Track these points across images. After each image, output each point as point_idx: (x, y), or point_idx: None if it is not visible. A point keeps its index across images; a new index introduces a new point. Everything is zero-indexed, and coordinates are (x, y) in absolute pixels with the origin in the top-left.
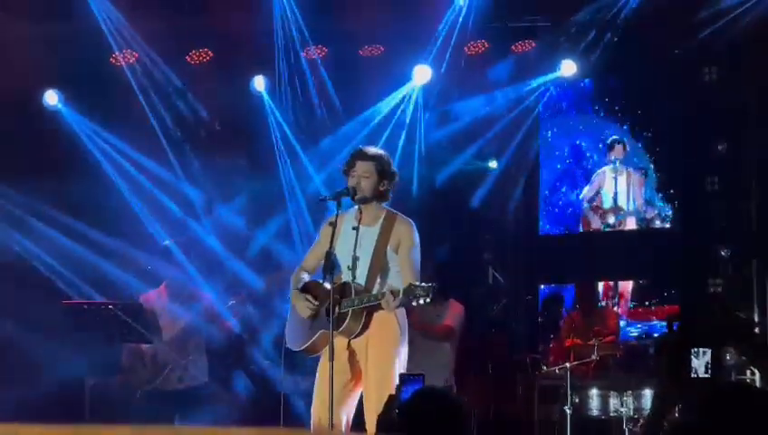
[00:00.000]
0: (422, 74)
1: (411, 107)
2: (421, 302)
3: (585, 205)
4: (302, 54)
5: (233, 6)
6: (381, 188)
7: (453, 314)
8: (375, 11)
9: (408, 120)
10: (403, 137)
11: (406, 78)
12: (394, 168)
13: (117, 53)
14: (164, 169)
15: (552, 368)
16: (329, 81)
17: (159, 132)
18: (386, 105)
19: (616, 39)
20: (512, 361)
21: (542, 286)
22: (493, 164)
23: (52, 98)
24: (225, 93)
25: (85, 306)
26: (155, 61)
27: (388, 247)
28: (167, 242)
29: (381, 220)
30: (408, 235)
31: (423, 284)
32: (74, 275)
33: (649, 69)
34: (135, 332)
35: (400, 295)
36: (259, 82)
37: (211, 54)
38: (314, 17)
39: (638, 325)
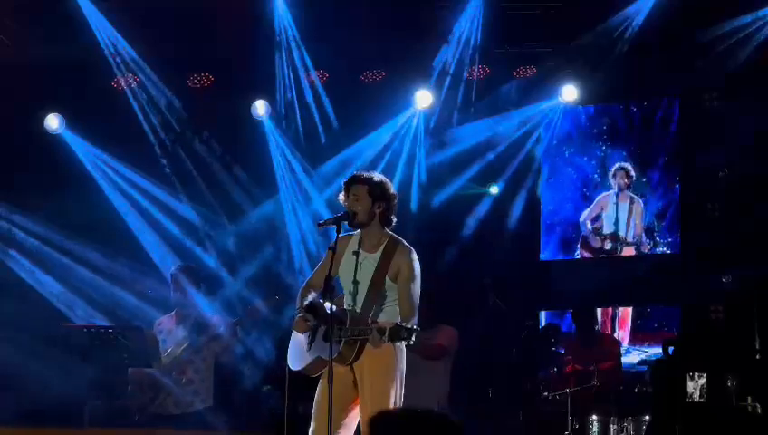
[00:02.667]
0: (423, 99)
1: (412, 132)
2: (404, 344)
3: (589, 227)
4: (304, 79)
5: (234, 31)
6: (377, 211)
7: (444, 335)
8: (376, 36)
9: (408, 145)
10: (404, 161)
11: (407, 103)
12: (391, 190)
13: (118, 77)
14: (165, 191)
15: (553, 394)
16: (330, 105)
17: (160, 156)
18: (387, 130)
19: (617, 65)
20: (512, 387)
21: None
22: (494, 189)
23: (53, 121)
24: (225, 117)
25: (85, 329)
26: (156, 85)
27: (387, 277)
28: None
29: (382, 247)
30: (407, 265)
31: (408, 326)
32: (75, 297)
33: (651, 94)
34: (134, 355)
35: (386, 335)
36: (260, 107)
37: (212, 79)
38: (316, 42)
39: (638, 351)
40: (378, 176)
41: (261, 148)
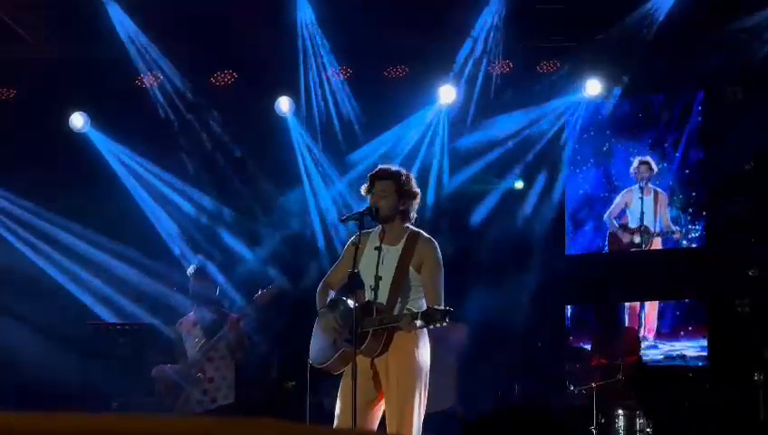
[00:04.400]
0: (447, 94)
1: (435, 127)
2: (438, 325)
3: (614, 223)
4: (327, 75)
5: (257, 28)
6: (402, 207)
7: (456, 331)
8: (399, 32)
9: (433, 141)
10: (427, 156)
11: (431, 98)
12: (415, 186)
13: (142, 75)
14: (188, 187)
15: (579, 388)
16: (353, 101)
17: (185, 153)
18: (410, 125)
19: (640, 58)
20: (539, 380)
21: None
22: (519, 184)
23: (78, 120)
24: (249, 114)
25: (110, 326)
26: (180, 82)
27: (411, 267)
28: (192, 266)
29: (404, 240)
30: (430, 254)
31: (441, 308)
32: (103, 294)
33: (675, 88)
34: (160, 352)
35: (419, 319)
36: (284, 103)
37: (235, 76)
38: (339, 39)
39: (665, 345)
40: (404, 171)
41: (284, 144)
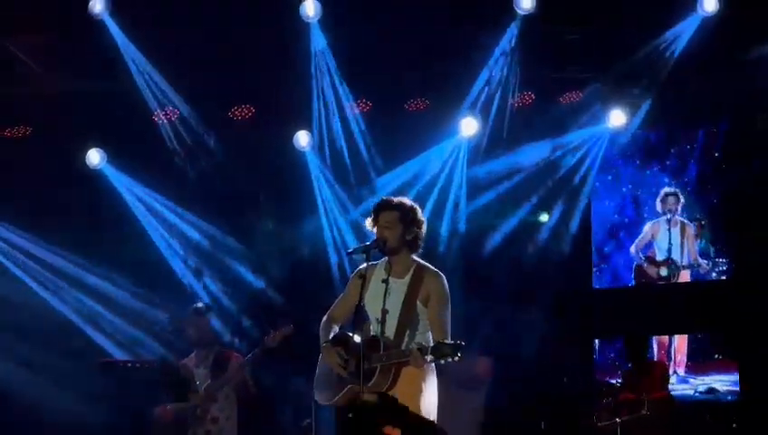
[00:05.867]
0: (469, 127)
1: (458, 160)
2: (449, 360)
3: (640, 255)
4: (347, 109)
5: (276, 62)
6: (408, 238)
7: (481, 365)
8: (419, 65)
9: (455, 173)
10: (447, 188)
11: (452, 131)
12: (421, 216)
13: (158, 111)
14: (205, 225)
15: (604, 423)
16: (373, 135)
17: (200, 189)
18: (432, 158)
19: (665, 87)
20: (566, 416)
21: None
22: (544, 217)
23: (95, 157)
24: (267, 149)
25: (121, 364)
26: (197, 118)
27: (418, 301)
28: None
29: (411, 273)
30: (437, 288)
31: (451, 341)
32: (113, 333)
33: (700, 116)
34: (172, 390)
35: (429, 353)
36: (303, 137)
37: (253, 110)
38: (359, 73)
39: (697, 380)
40: (408, 201)
41: (303, 179)
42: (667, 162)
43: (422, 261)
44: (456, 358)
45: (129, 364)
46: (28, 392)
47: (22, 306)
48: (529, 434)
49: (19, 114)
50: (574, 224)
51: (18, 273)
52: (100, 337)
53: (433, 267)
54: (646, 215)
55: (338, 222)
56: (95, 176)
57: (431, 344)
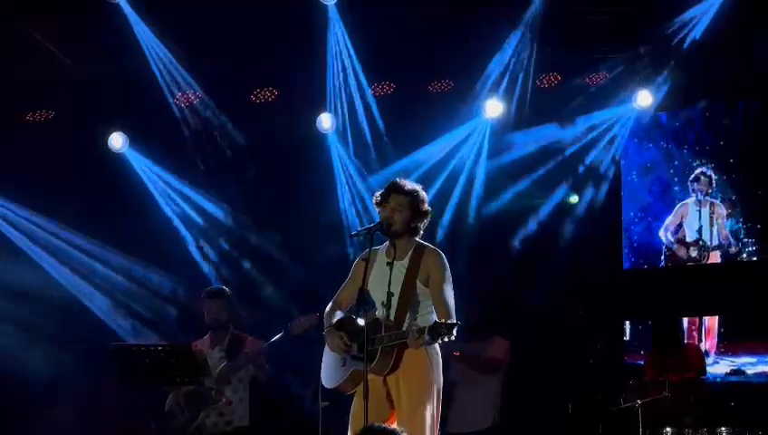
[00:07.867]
0: (493, 109)
1: (481, 141)
2: (446, 340)
3: (669, 237)
4: (369, 91)
5: (298, 44)
6: (413, 225)
7: (498, 347)
8: (443, 46)
9: (481, 155)
10: (473, 170)
11: (476, 113)
12: (427, 206)
13: (179, 94)
14: (224, 209)
15: (626, 405)
16: (396, 117)
17: (222, 171)
18: (455, 139)
19: (689, 68)
20: (588, 396)
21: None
22: (573, 199)
23: (117, 141)
24: (289, 132)
25: (134, 348)
26: (218, 101)
27: (418, 281)
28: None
29: (410, 253)
30: (437, 266)
31: (447, 321)
32: (129, 316)
33: (725, 96)
34: (185, 374)
35: (425, 334)
36: (326, 120)
37: (276, 93)
38: (381, 54)
39: (727, 361)
40: (420, 189)
41: (325, 162)
42: (698, 142)
43: (421, 241)
44: (452, 337)
45: (143, 348)
46: (42, 375)
47: (42, 287)
48: (550, 416)
49: (43, 99)
50: (602, 205)
51: (42, 254)
52: (114, 322)
53: (431, 245)
54: (676, 196)
55: (360, 209)
56: (117, 159)
57: (430, 325)
